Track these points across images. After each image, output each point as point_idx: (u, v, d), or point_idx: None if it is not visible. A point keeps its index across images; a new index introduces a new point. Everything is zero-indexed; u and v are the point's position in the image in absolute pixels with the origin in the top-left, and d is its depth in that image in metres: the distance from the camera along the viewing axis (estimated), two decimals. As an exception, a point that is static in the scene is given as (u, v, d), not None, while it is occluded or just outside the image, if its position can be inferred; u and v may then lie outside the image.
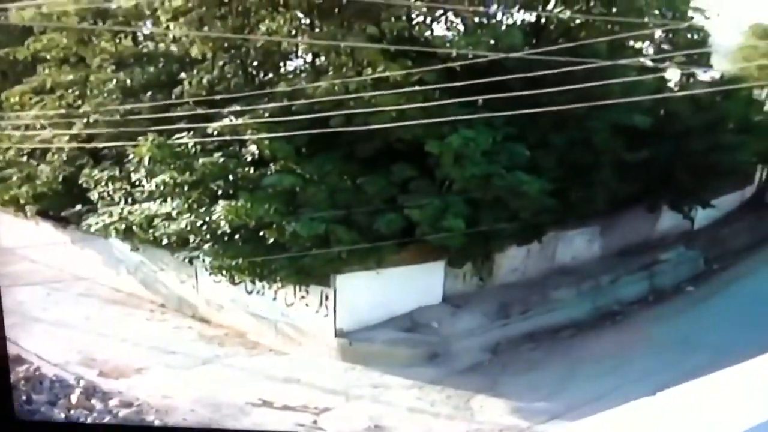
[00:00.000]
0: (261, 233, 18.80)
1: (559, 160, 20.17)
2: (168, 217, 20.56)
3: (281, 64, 22.61)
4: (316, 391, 17.49)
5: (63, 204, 24.02)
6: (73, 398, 16.15)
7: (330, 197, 19.14)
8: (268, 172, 19.58)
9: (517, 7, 21.41)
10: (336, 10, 20.84)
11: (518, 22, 21.63)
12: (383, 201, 19.16)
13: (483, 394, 16.95)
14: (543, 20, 21.79)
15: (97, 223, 22.42)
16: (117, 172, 22.66)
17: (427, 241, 18.97)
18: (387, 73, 19.00)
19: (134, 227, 21.50)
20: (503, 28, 20.83)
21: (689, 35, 22.51)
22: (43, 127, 24.92)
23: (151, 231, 21.02)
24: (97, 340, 19.68)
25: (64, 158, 24.34)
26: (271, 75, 22.34)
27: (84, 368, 17.87)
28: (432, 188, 19.28)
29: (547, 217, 19.78)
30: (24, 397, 15.86)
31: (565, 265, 21.95)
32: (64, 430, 7.60)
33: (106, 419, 15.36)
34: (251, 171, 19.85)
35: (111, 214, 22.19)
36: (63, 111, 24.67)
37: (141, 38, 25.42)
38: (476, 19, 20.62)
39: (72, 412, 15.56)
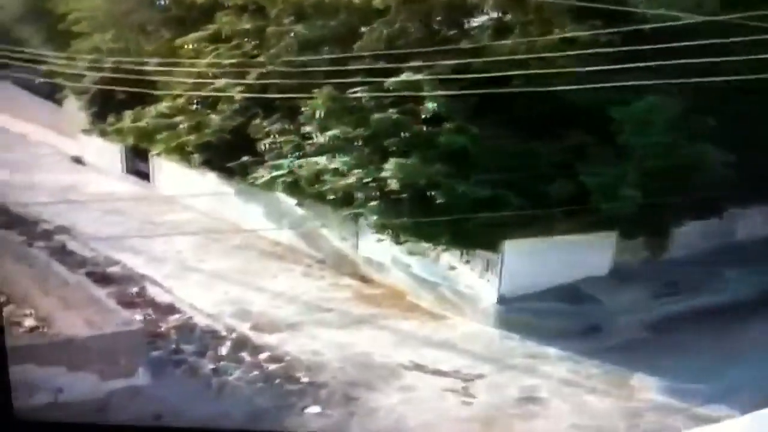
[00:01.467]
0: (429, 193, 19.39)
1: (744, 134, 19.77)
2: (336, 172, 21.46)
3: (464, 20, 22.85)
4: (470, 357, 18.08)
5: (229, 155, 25.27)
6: (223, 350, 17.31)
7: (501, 160, 19.50)
8: (441, 131, 20.02)
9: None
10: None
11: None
12: (555, 167, 19.37)
13: (641, 371, 17.10)
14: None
15: (263, 176, 23.64)
16: (288, 125, 23.65)
17: (600, 211, 19.10)
18: (574, 34, 19.03)
19: (301, 181, 22.59)
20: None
21: None
22: (215, 77, 26.30)
23: (317, 186, 22.06)
24: (252, 293, 20.97)
25: (235, 108, 25.52)
26: (453, 31, 22.63)
27: (236, 320, 19.09)
28: (608, 156, 19.31)
29: (728, 192, 19.49)
30: (173, 346, 17.20)
31: (742, 243, 21.56)
32: (64, 430, 8.46)
33: (254, 374, 16.41)
34: (424, 129, 20.35)
35: (278, 168, 23.32)
36: (238, 60, 25.89)
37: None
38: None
39: (220, 364, 16.72)
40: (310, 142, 22.61)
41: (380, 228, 20.89)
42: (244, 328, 18.73)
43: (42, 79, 34.52)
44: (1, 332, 4.67)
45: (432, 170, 19.30)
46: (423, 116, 20.22)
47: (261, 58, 24.94)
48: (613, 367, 17.39)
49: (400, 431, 14.93)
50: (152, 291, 20.43)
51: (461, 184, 19.03)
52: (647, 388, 16.62)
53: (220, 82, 26.04)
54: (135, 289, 20.40)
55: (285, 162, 23.32)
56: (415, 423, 15.19)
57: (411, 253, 21.25)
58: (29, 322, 17.64)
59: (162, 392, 15.37)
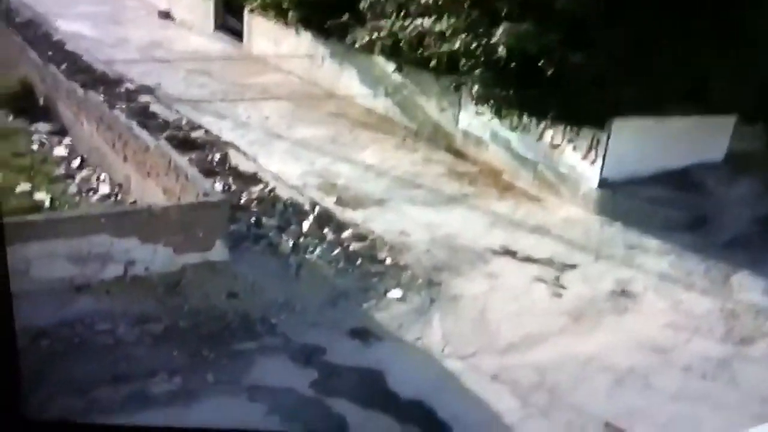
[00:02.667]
0: (539, 63, 19.23)
1: None
2: (441, 36, 21.33)
3: None
4: (565, 245, 18.20)
5: (328, 13, 25.20)
6: (305, 225, 17.68)
7: (621, 32, 19.08)
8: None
9: None
10: None
11: None
12: (675, 43, 18.93)
13: (745, 270, 17.05)
14: None
15: (363, 38, 23.65)
16: (392, -18, 23.24)
17: (720, 92, 18.72)
18: None
19: (402, 45, 22.55)
20: None
21: None
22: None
23: (419, 50, 22.00)
24: (340, 164, 21.29)
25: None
26: None
27: (321, 194, 19.44)
28: (729, 32, 18.79)
29: None
30: (253, 219, 17.68)
31: None
32: (72, 429, 8.84)
33: (335, 252, 16.81)
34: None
35: (379, 29, 23.27)
36: None
37: None
38: None
39: (301, 240, 17.15)
40: (414, 2, 22.35)
41: (483, 99, 20.84)
42: (329, 202, 19.04)
43: None
44: (10, 313, 4.90)
45: (546, 39, 18.98)
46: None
47: None
48: (716, 263, 17.33)
49: (483, 322, 15.12)
50: (235, 159, 20.85)
51: (575, 55, 18.73)
52: (749, 288, 16.56)
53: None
54: (218, 156, 20.83)
55: (387, 23, 23.17)
56: (500, 314, 15.39)
57: (513, 127, 21.22)
58: (104, 189, 18.27)
59: (239, 269, 15.84)
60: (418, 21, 22.17)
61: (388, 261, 16.86)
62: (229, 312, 14.65)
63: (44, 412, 11.72)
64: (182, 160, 17.40)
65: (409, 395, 13.20)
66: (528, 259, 17.42)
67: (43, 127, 22.71)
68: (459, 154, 22.48)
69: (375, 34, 23.42)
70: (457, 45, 20.59)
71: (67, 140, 22.12)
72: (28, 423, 5.23)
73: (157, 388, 12.71)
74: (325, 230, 17.66)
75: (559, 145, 20.27)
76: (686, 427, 12.89)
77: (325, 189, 19.73)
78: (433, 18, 21.67)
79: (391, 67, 23.99)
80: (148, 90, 25.83)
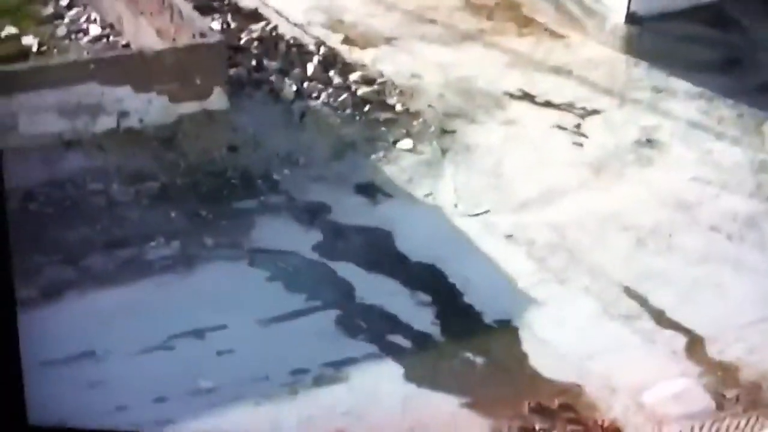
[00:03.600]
0: None
1: None
2: None
3: None
4: (588, 88, 17.93)
5: None
6: (310, 67, 17.41)
7: None
8: None
9: None
10: None
11: None
12: None
13: (778, 117, 16.84)
14: None
15: None
16: None
17: None
18: None
19: None
20: None
21: None
22: None
23: None
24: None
25: None
26: None
27: (327, 32, 19.00)
28: None
29: None
30: (254, 62, 17.42)
31: None
32: None
33: (342, 98, 16.63)
34: None
35: None
36: None
37: None
38: None
39: (305, 84, 16.95)
40: None
41: None
42: (335, 41, 18.70)
43: None
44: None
45: None
46: None
47: None
48: (749, 109, 17.10)
49: (498, 175, 15.09)
50: (235, -7, 20.39)
51: None
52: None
53: None
54: (217, -9, 20.35)
55: None
56: (517, 166, 15.35)
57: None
58: (95, 30, 17.96)
59: (239, 118, 15.75)
60: None
61: (399, 107, 16.73)
62: (229, 167, 14.67)
63: (32, 286, 11.80)
64: (177, -5, 16.93)
65: (419, 257, 13.31)
66: (548, 104, 17.23)
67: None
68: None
69: None
70: None
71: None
72: (32, 430, 5.27)
73: (153, 253, 12.83)
74: (331, 73, 17.45)
75: (579, -24, 19.73)
76: (709, 293, 12.97)
77: (331, 26, 19.33)
78: None
79: None
80: None
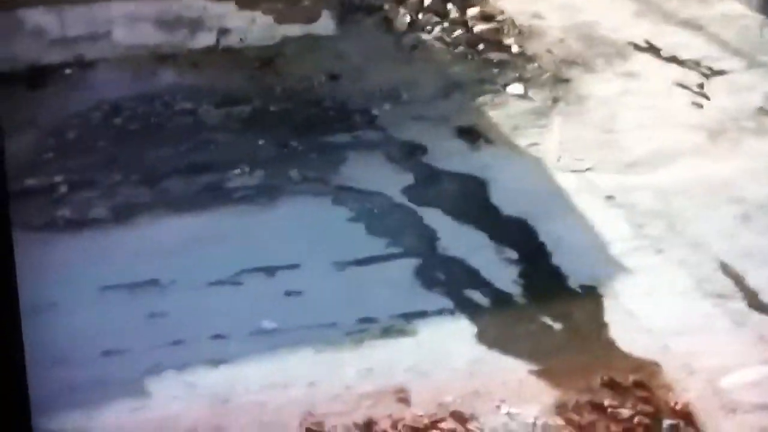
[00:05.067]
0: None
1: None
2: None
3: None
4: (718, 46, 17.17)
5: None
6: (427, -1, 16.98)
7: None
8: None
9: None
10: None
11: None
12: None
13: None
14: None
15: None
16: None
17: None
18: None
19: None
20: None
21: None
22: None
23: None
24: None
25: None
26: None
27: (451, -38, 18.53)
28: None
29: None
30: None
31: None
32: None
33: (456, 33, 16.19)
34: None
35: None
36: None
37: None
38: None
39: (421, 16, 16.53)
40: None
41: None
42: (457, -28, 18.17)
43: None
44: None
45: None
46: None
47: None
48: None
49: (608, 130, 14.53)
50: None
51: None
52: None
53: None
54: None
55: None
56: (630, 123, 14.75)
57: None
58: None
59: (345, 46, 15.51)
60: None
61: (515, 49, 16.25)
62: (327, 97, 14.39)
63: (104, 205, 11.73)
64: None
65: (511, 211, 12.85)
66: (673, 59, 16.53)
67: None
68: None
69: None
70: None
71: None
72: None
73: (235, 181, 12.62)
74: (449, 6, 16.96)
75: None
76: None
77: (454, -44, 18.73)
78: None
79: None
80: None
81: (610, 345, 11.27)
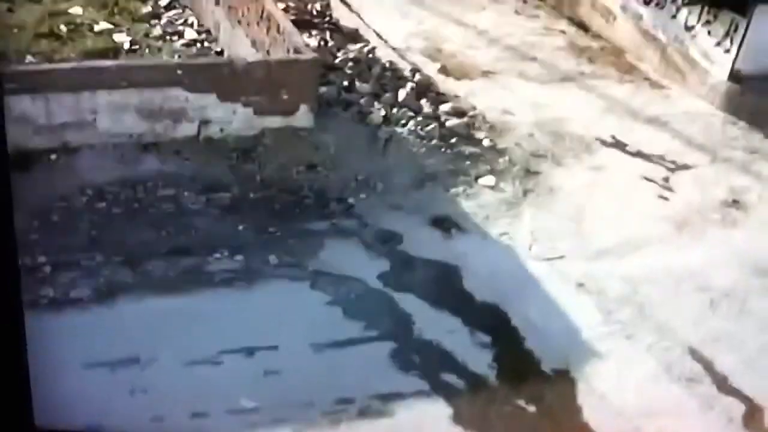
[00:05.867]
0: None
1: None
2: None
3: None
4: (682, 141, 17.58)
5: None
6: (402, 93, 17.23)
7: None
8: None
9: None
10: None
11: None
12: None
13: None
14: None
15: None
16: None
17: None
18: None
19: None
20: None
21: None
22: None
23: None
24: (451, 26, 20.64)
25: None
26: None
27: (424, 59, 18.95)
28: None
29: None
30: (346, 83, 17.28)
31: None
32: None
33: (429, 128, 16.42)
34: None
35: None
36: None
37: None
38: None
39: (395, 110, 16.74)
40: None
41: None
42: (431, 69, 18.61)
43: None
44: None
45: None
46: None
47: None
48: None
49: (578, 221, 14.77)
50: (338, 11, 20.38)
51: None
52: None
53: None
54: (318, 6, 20.37)
55: None
56: (598, 214, 15.03)
57: (646, 1, 20.40)
58: (190, 34, 18.06)
59: (323, 137, 15.67)
60: None
61: (486, 142, 16.53)
62: (305, 186, 14.56)
63: (87, 285, 11.80)
64: (277, 8, 16.96)
65: (484, 297, 13.05)
66: (639, 154, 16.91)
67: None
68: (582, 26, 21.68)
69: None
70: None
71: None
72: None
73: (216, 265, 12.73)
74: (423, 101, 17.29)
75: (693, 27, 19.40)
76: (775, 360, 12.49)
77: (429, 54, 19.25)
78: None
79: None
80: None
81: (583, 427, 11.40)
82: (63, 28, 17.58)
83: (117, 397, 10.35)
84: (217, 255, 12.77)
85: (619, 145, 17.02)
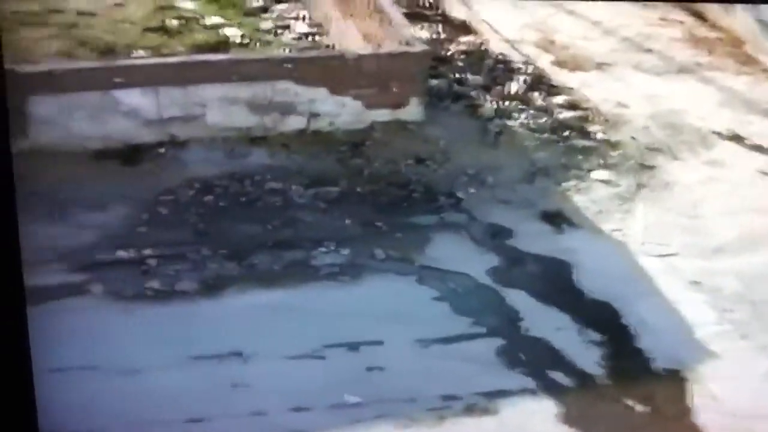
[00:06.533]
0: None
1: None
2: None
3: None
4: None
5: None
6: (513, 86, 17.01)
7: None
8: None
9: None
10: None
11: None
12: None
13: None
14: None
15: None
16: None
17: None
18: None
19: None
20: None
21: None
22: None
23: None
24: (564, 17, 20.22)
25: None
26: None
27: (537, 51, 18.54)
28: None
29: None
30: (457, 75, 17.06)
31: None
32: None
33: (542, 120, 16.13)
34: None
35: None
36: None
37: None
38: None
39: (506, 103, 16.51)
40: None
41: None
42: (544, 61, 18.24)
43: None
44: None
45: None
46: None
47: None
48: None
49: (693, 217, 14.32)
50: (449, 3, 20.13)
51: None
52: None
53: None
54: (430, -1, 20.15)
55: None
56: (715, 209, 14.56)
57: (765, -10, 19.71)
58: (300, 28, 18.00)
59: (432, 130, 15.51)
60: None
61: (600, 135, 16.12)
62: (413, 179, 14.39)
63: (194, 279, 11.83)
64: (388, 1, 16.76)
65: (595, 293, 12.71)
66: (758, 148, 16.27)
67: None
68: (700, 17, 21.01)
69: None
70: None
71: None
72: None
73: (321, 258, 12.64)
74: (535, 94, 16.95)
75: (818, 17, 18.66)
76: None
77: (542, 46, 18.85)
78: None
79: None
80: None
81: (694, 428, 11.00)
82: (173, 22, 17.55)
83: (219, 390, 10.34)
84: (323, 249, 12.65)
85: (736, 138, 16.46)
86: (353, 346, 11.25)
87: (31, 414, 5.01)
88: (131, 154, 13.70)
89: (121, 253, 12.28)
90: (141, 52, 16.41)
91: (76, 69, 13.97)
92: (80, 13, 17.63)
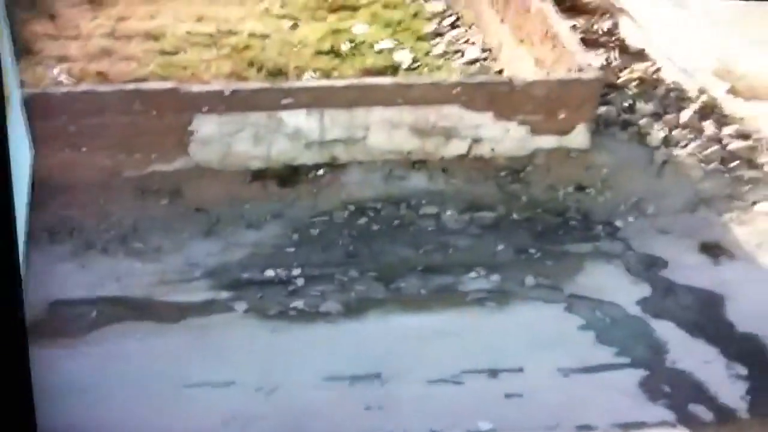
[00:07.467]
0: None
1: None
2: None
3: None
4: None
5: None
6: (685, 114, 16.68)
7: None
8: None
9: None
10: None
11: None
12: None
13: None
14: None
15: None
16: None
17: None
18: None
19: None
20: None
21: None
22: None
23: None
24: (743, 46, 19.64)
25: None
26: None
27: (714, 79, 18.09)
28: None
29: None
30: (627, 103, 16.73)
31: None
32: None
33: (710, 150, 15.82)
34: None
35: None
36: None
37: None
38: None
39: (675, 132, 16.23)
40: None
41: None
42: (720, 90, 17.78)
43: None
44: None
45: None
46: None
47: None
48: None
49: None
50: (625, 29, 19.87)
51: None
52: None
53: None
54: (606, 25, 19.93)
55: None
56: None
57: None
58: (472, 53, 18.13)
59: (596, 157, 15.43)
60: None
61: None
62: (572, 207, 14.40)
63: (338, 300, 12.11)
64: (563, 26, 16.70)
65: (746, 328, 12.50)
66: None
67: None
68: None
69: None
70: None
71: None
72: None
73: (470, 284, 12.79)
74: (706, 123, 16.58)
75: None
76: None
77: (719, 74, 18.32)
78: None
79: None
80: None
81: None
82: (345, 46, 17.96)
83: (351, 412, 10.55)
84: (473, 274, 12.80)
85: None
86: (493, 372, 11.35)
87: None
88: (290, 175, 14.09)
89: (269, 272, 12.67)
90: (311, 74, 16.81)
91: (245, 90, 14.38)
92: (252, 35, 18.21)
